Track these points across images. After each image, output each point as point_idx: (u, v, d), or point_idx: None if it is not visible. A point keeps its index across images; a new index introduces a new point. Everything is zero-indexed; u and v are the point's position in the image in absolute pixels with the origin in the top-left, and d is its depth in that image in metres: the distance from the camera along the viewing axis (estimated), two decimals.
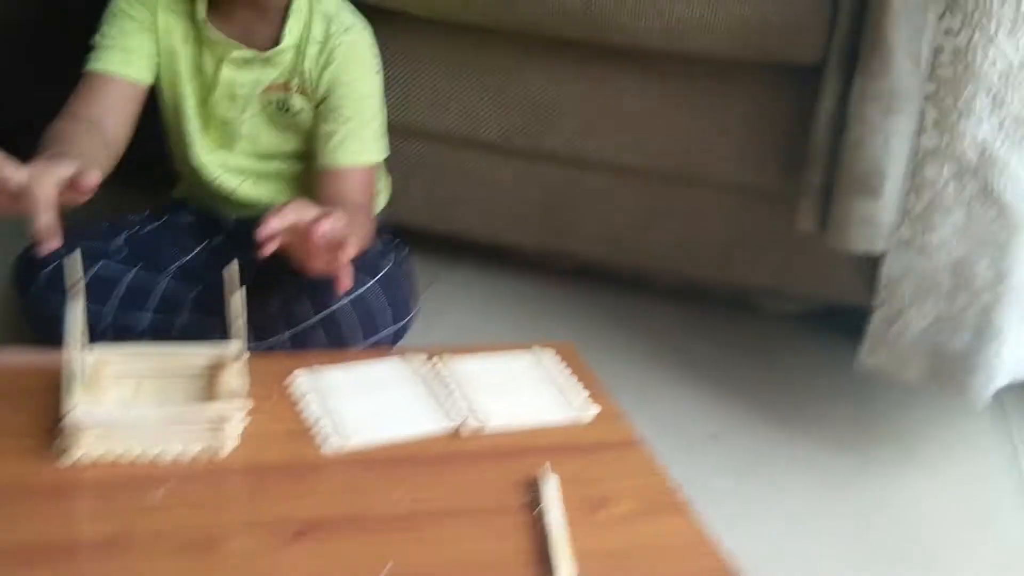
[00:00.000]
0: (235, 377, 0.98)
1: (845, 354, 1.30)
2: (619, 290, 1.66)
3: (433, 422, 1.01)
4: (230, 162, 1.30)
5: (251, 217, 1.32)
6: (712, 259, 1.49)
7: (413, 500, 0.89)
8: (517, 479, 0.93)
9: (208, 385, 1.02)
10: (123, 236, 1.27)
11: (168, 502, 0.85)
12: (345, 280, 1.02)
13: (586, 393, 1.09)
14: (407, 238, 1.38)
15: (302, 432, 0.97)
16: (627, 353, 1.46)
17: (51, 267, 1.18)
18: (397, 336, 1.20)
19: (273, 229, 0.98)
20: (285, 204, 1.03)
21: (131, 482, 0.87)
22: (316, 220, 1.00)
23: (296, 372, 1.08)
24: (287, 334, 1.16)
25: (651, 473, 0.96)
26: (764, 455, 1.30)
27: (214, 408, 0.93)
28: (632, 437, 1.02)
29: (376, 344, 1.18)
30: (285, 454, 0.94)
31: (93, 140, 1.15)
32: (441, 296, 1.28)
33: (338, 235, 1.00)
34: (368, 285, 1.16)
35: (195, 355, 1.03)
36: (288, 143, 1.30)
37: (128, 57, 1.23)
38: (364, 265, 1.18)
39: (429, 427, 1.00)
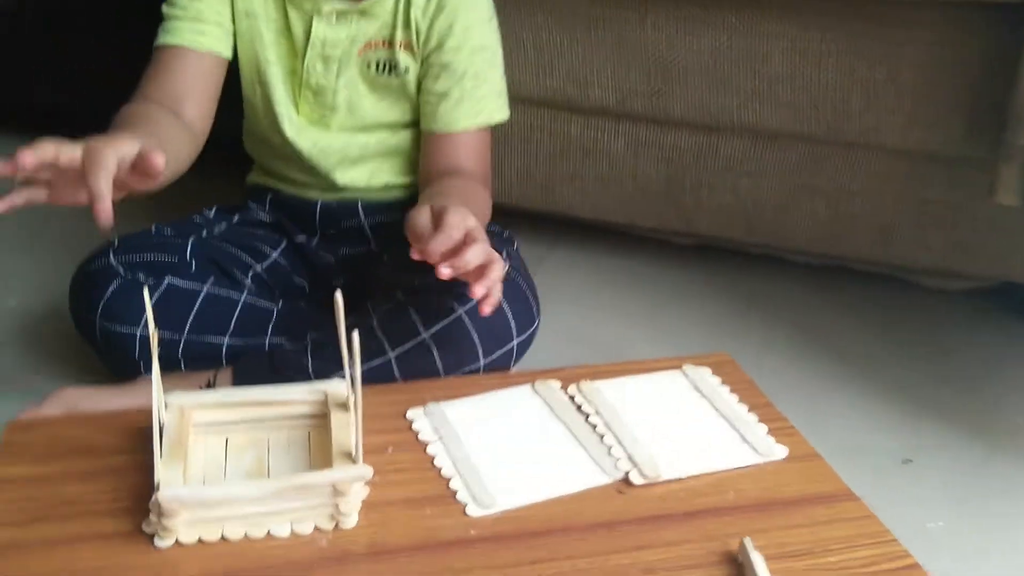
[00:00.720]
0: (346, 432, 0.80)
1: None
2: (750, 267, 1.45)
3: (588, 474, 0.82)
4: (324, 139, 1.10)
5: (340, 201, 1.15)
6: (869, 237, 1.28)
7: None
8: (709, 550, 0.74)
9: (313, 439, 0.84)
10: (190, 244, 1.08)
11: None
12: (489, 302, 0.85)
13: (763, 426, 0.90)
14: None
15: (433, 498, 0.79)
16: (771, 346, 1.26)
17: (110, 291, 1.00)
18: (520, 350, 1.01)
19: (437, 252, 0.84)
20: (445, 213, 0.86)
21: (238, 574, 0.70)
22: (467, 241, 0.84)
23: (411, 413, 0.90)
24: (392, 354, 0.97)
25: (880, 538, 0.76)
26: (968, 476, 1.09)
27: (329, 478, 0.75)
28: (841, 487, 0.82)
29: (495, 362, 0.99)
30: (418, 528, 0.76)
31: (170, 123, 0.99)
32: (544, 285, 1.08)
33: (486, 257, 0.84)
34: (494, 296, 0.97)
35: (294, 402, 0.85)
36: (391, 111, 1.10)
37: (201, 27, 1.04)
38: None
39: (584, 481, 0.82)
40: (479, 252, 0.83)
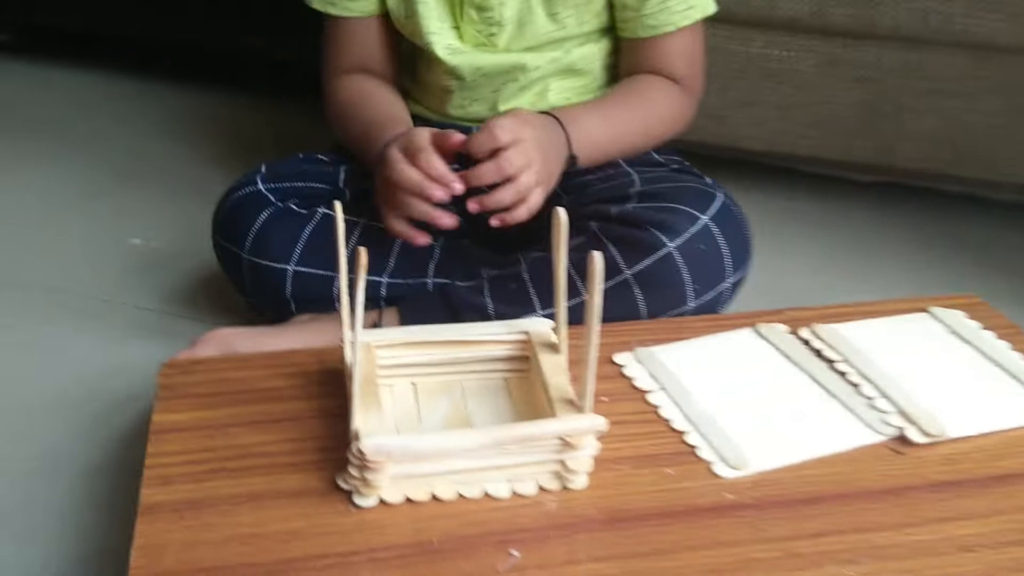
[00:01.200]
0: (562, 376, 0.67)
1: None
2: (947, 208, 1.28)
3: (851, 432, 0.68)
4: (488, 63, 0.97)
5: None
6: None
7: (873, 555, 0.57)
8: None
9: (514, 386, 0.72)
10: (342, 172, 0.96)
11: (521, 568, 0.56)
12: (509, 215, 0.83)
13: None
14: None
15: (670, 456, 0.66)
16: (999, 297, 1.10)
17: (260, 221, 0.89)
18: (733, 291, 0.86)
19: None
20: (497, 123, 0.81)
21: (452, 544, 0.57)
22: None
23: (620, 358, 0.76)
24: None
25: None
26: None
27: (559, 428, 0.62)
28: None
29: (704, 307, 0.85)
30: (660, 491, 0.63)
31: (388, 92, 1.01)
32: None
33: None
34: (701, 222, 0.83)
35: (491, 342, 0.72)
36: (567, 23, 0.96)
37: None
38: (687, 193, 0.85)
39: (849, 440, 0.67)
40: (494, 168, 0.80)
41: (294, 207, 0.90)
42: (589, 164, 0.92)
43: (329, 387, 0.72)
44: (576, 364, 0.65)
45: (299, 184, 0.92)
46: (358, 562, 0.56)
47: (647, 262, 0.81)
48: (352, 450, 0.60)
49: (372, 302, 0.91)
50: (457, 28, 0.96)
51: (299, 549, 0.57)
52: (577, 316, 0.80)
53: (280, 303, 0.90)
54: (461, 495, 0.61)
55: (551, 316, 0.80)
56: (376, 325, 0.88)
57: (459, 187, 0.81)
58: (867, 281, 1.14)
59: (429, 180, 0.81)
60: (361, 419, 0.61)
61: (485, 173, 0.81)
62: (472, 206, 0.82)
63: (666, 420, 0.69)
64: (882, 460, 0.66)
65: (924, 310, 0.83)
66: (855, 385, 0.73)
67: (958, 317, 0.82)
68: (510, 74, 0.96)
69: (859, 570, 0.56)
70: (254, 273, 0.89)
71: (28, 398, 0.90)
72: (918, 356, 0.76)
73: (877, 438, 0.68)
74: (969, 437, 0.68)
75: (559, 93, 0.99)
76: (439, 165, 0.82)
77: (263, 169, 0.93)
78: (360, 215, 0.91)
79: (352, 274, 0.63)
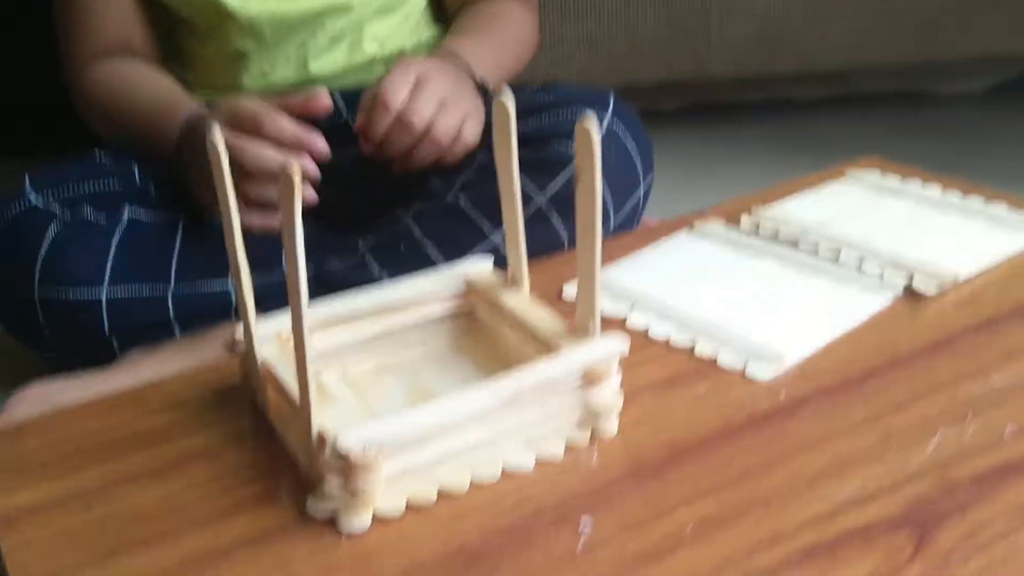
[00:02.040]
0: (537, 311, 0.53)
1: None
2: (756, 116, 1.26)
3: (857, 300, 0.59)
4: (292, 9, 0.80)
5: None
6: (905, 36, 1.11)
7: (973, 405, 0.48)
8: None
9: (467, 346, 0.56)
10: (135, 166, 0.75)
11: (602, 539, 0.41)
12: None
13: (999, 206, 0.70)
14: None
15: (689, 373, 0.54)
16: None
17: (48, 241, 0.67)
18: (647, 198, 0.76)
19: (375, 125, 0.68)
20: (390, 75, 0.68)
21: (498, 539, 0.42)
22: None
23: (569, 289, 0.63)
24: (498, 231, 0.69)
25: None
26: None
27: (582, 359, 0.47)
28: None
29: (623, 225, 0.73)
30: (703, 412, 0.50)
31: (159, 70, 0.83)
32: None
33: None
34: (605, 124, 0.71)
35: (425, 300, 0.56)
36: None
37: None
38: (582, 96, 0.73)
39: (862, 310, 0.58)
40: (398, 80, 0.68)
41: (88, 218, 0.69)
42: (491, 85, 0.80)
43: (224, 410, 0.53)
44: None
45: (84, 188, 0.71)
46: None
47: (559, 181, 0.69)
48: (323, 458, 0.42)
49: (221, 314, 0.71)
50: None
51: None
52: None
53: (95, 345, 0.69)
54: (474, 481, 0.45)
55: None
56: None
57: (324, 146, 0.65)
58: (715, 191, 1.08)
59: (287, 149, 0.64)
60: (321, 417, 0.44)
61: (391, 131, 0.67)
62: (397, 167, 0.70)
63: (662, 340, 0.57)
64: (907, 319, 0.58)
65: (841, 174, 0.77)
66: (836, 252, 0.64)
67: (876, 176, 0.77)
68: (319, 20, 0.80)
69: (978, 422, 0.47)
70: (51, 312, 0.67)
71: None
72: (870, 216, 0.70)
73: (885, 300, 0.59)
74: (974, 278, 0.61)
75: (374, 40, 0.85)
76: (290, 126, 0.65)
77: (28, 178, 0.71)
78: (177, 214, 0.72)
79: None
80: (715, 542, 0.41)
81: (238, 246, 0.49)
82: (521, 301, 0.54)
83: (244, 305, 0.50)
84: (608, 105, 0.72)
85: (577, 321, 0.50)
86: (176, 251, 0.70)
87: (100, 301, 0.66)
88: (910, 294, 0.60)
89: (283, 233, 0.41)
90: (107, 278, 0.66)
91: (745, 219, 0.70)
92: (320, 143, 0.65)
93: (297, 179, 0.39)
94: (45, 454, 0.49)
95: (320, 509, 0.43)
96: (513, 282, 0.55)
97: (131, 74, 0.81)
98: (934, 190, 0.73)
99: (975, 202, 0.71)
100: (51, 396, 0.62)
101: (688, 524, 0.42)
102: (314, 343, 0.52)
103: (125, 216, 0.69)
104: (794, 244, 0.66)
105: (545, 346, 0.50)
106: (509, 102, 0.50)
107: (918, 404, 0.49)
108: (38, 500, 0.46)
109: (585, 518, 0.42)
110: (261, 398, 0.51)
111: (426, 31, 0.89)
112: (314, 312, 0.54)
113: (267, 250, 0.72)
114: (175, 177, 0.74)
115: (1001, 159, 1.15)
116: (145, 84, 0.80)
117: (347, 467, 0.42)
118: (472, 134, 0.70)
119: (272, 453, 0.48)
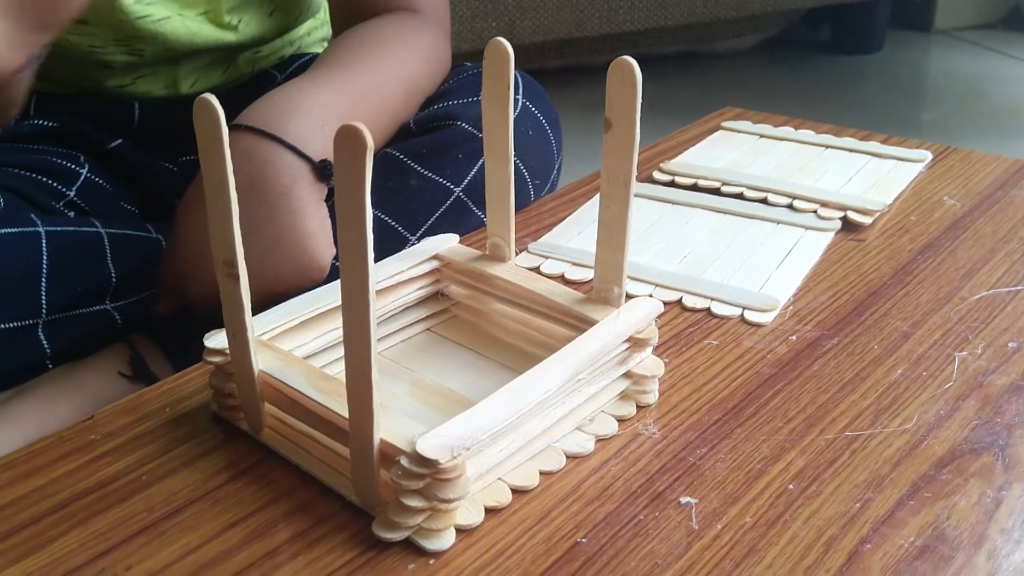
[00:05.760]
0: (535, 280, 0.48)
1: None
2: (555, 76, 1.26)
3: (803, 239, 0.60)
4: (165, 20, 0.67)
5: (169, 98, 0.73)
6: (692, 3, 1.16)
7: (968, 321, 0.50)
8: (1008, 247, 0.57)
9: (455, 331, 0.51)
10: None
11: (711, 514, 0.38)
12: None
13: (873, 143, 0.74)
14: None
15: (686, 332, 0.51)
16: None
17: None
18: (559, 171, 0.72)
19: None
20: None
21: (604, 532, 0.37)
22: None
23: (524, 259, 0.59)
24: (423, 227, 0.62)
25: None
26: None
27: (631, 320, 0.44)
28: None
29: (540, 186, 0.69)
30: (730, 364, 0.48)
31: None
32: None
33: None
34: (519, 103, 0.66)
35: (402, 285, 0.50)
36: None
37: None
38: (476, 76, 0.68)
39: (810, 246, 0.59)
40: None
41: None
42: None
43: (207, 438, 0.44)
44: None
45: None
46: None
47: (475, 169, 0.63)
48: (398, 472, 0.36)
49: (103, 339, 0.59)
50: None
51: None
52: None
53: None
54: (543, 470, 0.41)
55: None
56: (136, 361, 0.57)
57: None
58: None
59: None
60: (383, 426, 0.37)
61: None
62: None
63: (645, 296, 0.55)
64: (859, 250, 0.59)
65: (718, 128, 0.79)
66: (761, 199, 0.65)
67: (749, 125, 0.79)
68: (202, 54, 0.69)
69: (982, 341, 0.49)
70: None
71: None
72: (768, 160, 0.71)
73: (828, 236, 0.61)
74: (889, 206, 0.64)
75: (249, 63, 0.74)
76: None
77: None
78: (32, 223, 0.59)
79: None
80: (822, 494, 0.39)
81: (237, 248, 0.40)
82: (514, 273, 0.49)
83: (239, 302, 0.41)
84: (518, 86, 0.68)
85: (599, 287, 0.46)
86: (44, 270, 0.57)
87: None
88: (846, 226, 0.62)
89: (342, 209, 0.34)
90: None
91: (658, 174, 0.69)
92: None
93: (369, 140, 0.32)
94: None
95: (395, 534, 0.37)
96: (496, 255, 0.50)
97: None
98: (808, 133, 0.77)
99: (850, 142, 0.75)
100: None
101: (786, 479, 0.40)
102: (292, 350, 0.45)
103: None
104: (716, 192, 0.67)
105: (570, 317, 0.46)
106: (506, 44, 0.45)
107: (921, 331, 0.50)
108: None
109: (686, 497, 0.39)
110: (252, 420, 0.43)
111: (307, 49, 0.80)
112: (273, 316, 0.46)
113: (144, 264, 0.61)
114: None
115: (781, 103, 1.24)
116: None
117: (435, 476, 0.36)
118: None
119: (285, 484, 0.40)
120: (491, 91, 0.47)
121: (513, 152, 0.47)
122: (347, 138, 0.33)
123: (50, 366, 0.57)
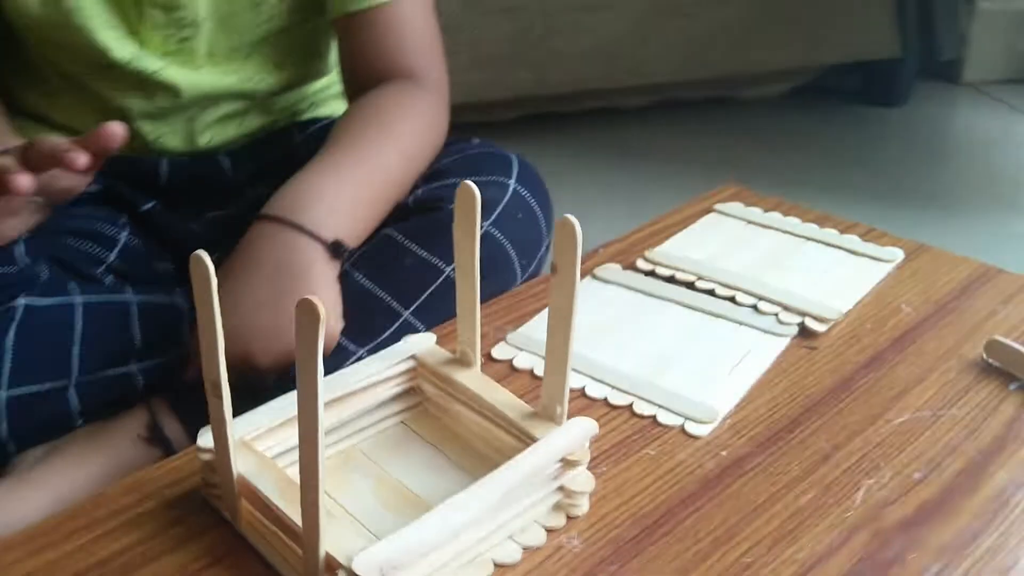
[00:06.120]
0: (497, 391, 0.55)
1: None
2: (583, 124, 1.31)
3: (761, 344, 0.65)
4: (188, 84, 0.75)
5: (196, 155, 0.81)
6: (724, 49, 1.20)
7: (898, 431, 0.55)
8: (959, 368, 0.62)
9: (422, 428, 0.57)
10: (21, 242, 0.68)
11: None
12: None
13: (851, 237, 0.78)
14: None
15: (633, 437, 0.57)
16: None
17: None
18: (548, 252, 0.78)
19: None
20: None
21: None
22: None
23: (497, 351, 0.65)
24: (409, 310, 0.69)
25: None
26: None
27: (560, 447, 0.50)
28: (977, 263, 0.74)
29: (531, 276, 0.75)
30: (660, 476, 0.54)
31: None
32: None
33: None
34: (510, 189, 0.72)
35: (377, 384, 0.57)
36: (274, 12, 0.76)
37: None
38: (486, 160, 0.74)
39: (766, 353, 0.64)
40: None
41: None
42: (360, 239, 0.70)
43: (187, 524, 0.51)
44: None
45: None
46: None
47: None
48: None
49: (125, 400, 0.68)
50: (136, 35, 0.73)
51: None
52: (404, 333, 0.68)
53: None
54: None
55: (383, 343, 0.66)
56: (154, 427, 0.66)
57: (82, 159, 0.57)
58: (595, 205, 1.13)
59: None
60: (332, 536, 0.44)
61: None
62: None
63: (599, 398, 0.61)
64: (806, 359, 0.64)
65: (711, 210, 0.84)
66: (730, 298, 0.70)
67: (740, 208, 0.83)
68: (214, 103, 0.77)
69: (891, 468, 0.54)
70: None
71: None
72: (748, 251, 0.76)
73: (783, 341, 0.66)
74: (848, 312, 0.69)
75: (267, 114, 0.82)
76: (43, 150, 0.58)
77: None
78: (68, 290, 0.67)
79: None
80: None
81: (222, 367, 0.47)
82: (476, 381, 0.55)
83: (222, 418, 0.48)
84: (511, 166, 0.74)
85: (544, 404, 0.52)
86: (79, 337, 0.65)
87: None
88: (803, 332, 0.67)
89: (299, 370, 0.41)
90: (6, 381, 0.62)
91: (641, 262, 0.75)
92: (74, 155, 0.57)
93: (322, 312, 0.39)
94: None
95: None
96: (464, 361, 0.57)
97: None
98: (794, 221, 0.81)
99: (831, 234, 0.79)
100: None
101: None
102: (269, 448, 0.52)
103: (20, 306, 0.64)
104: (691, 286, 0.72)
105: (516, 430, 0.52)
106: (473, 187, 0.51)
107: (840, 454, 0.56)
108: None
109: None
110: (231, 512, 0.50)
111: (323, 106, 0.87)
112: (270, 414, 0.53)
113: (167, 326, 0.69)
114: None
115: (800, 155, 1.27)
116: None
117: None
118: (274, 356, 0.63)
119: (253, 573, 0.48)
120: (461, 225, 0.53)
121: (479, 271, 0.53)
122: (305, 312, 0.40)
123: (80, 423, 0.65)
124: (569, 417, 0.52)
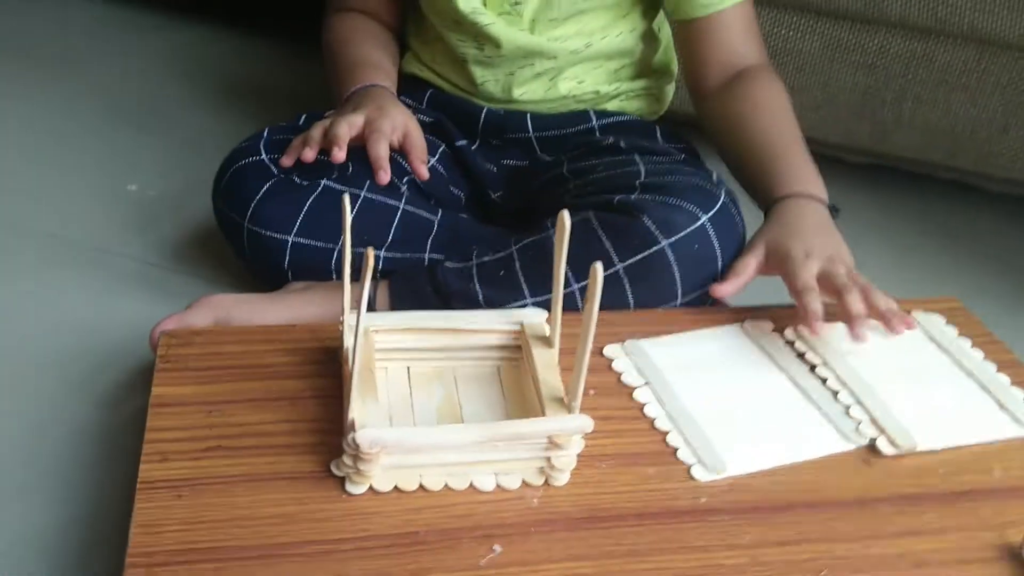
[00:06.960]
0: (552, 372, 0.69)
1: None
2: (937, 192, 1.28)
3: (825, 439, 0.71)
4: (512, 41, 0.96)
5: (509, 111, 1.02)
6: None
7: (833, 567, 0.60)
8: (984, 541, 0.63)
9: (505, 375, 0.74)
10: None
11: (501, 564, 0.59)
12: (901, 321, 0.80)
13: (1021, 391, 0.77)
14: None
15: (651, 455, 0.69)
16: (986, 290, 1.11)
17: (262, 193, 0.89)
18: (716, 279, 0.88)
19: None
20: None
21: (437, 536, 0.60)
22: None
23: (609, 351, 0.78)
24: (576, 285, 0.85)
25: None
26: None
27: (546, 428, 0.64)
28: None
29: (693, 301, 0.86)
30: (638, 491, 0.65)
31: (387, 39, 1.06)
32: None
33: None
34: (700, 223, 0.83)
35: (484, 331, 0.74)
36: (600, 5, 0.96)
37: None
38: (691, 190, 0.85)
39: (823, 447, 0.70)
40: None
41: (296, 179, 0.90)
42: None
43: (326, 366, 0.74)
44: (567, 355, 0.67)
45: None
46: (346, 551, 0.59)
47: (639, 256, 0.82)
48: (347, 440, 0.62)
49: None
50: None
51: (292, 534, 0.60)
52: (569, 303, 0.82)
53: (277, 272, 0.91)
54: (448, 486, 0.64)
55: (540, 304, 0.83)
56: (369, 302, 0.89)
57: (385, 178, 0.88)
58: (859, 267, 1.15)
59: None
60: (358, 410, 0.63)
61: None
62: None
63: (650, 418, 0.72)
64: (852, 469, 0.69)
65: (910, 311, 0.86)
66: (835, 392, 0.75)
67: (937, 323, 0.84)
68: (528, 58, 0.97)
69: None
70: (253, 241, 0.90)
71: (15, 351, 0.89)
72: (896, 363, 0.79)
73: (849, 446, 0.71)
74: (936, 451, 0.71)
75: (572, 80, 1.00)
76: (384, 149, 0.89)
77: (266, 135, 0.94)
78: (361, 185, 0.92)
79: (357, 249, 0.64)
80: None
81: (346, 272, 0.67)
82: (545, 361, 0.70)
83: (356, 303, 0.69)
84: (712, 205, 0.83)
85: (567, 397, 0.66)
86: (350, 221, 0.91)
87: (286, 243, 0.89)
88: (872, 447, 0.70)
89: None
90: (295, 229, 0.88)
91: (789, 332, 0.81)
92: (383, 175, 0.88)
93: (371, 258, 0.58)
94: (197, 362, 0.73)
95: (337, 471, 0.64)
96: (548, 342, 0.72)
97: (358, 31, 1.05)
98: (976, 355, 0.80)
99: (1002, 381, 0.78)
100: (224, 306, 0.85)
101: None
102: (386, 341, 0.72)
103: (321, 184, 0.90)
104: (812, 369, 0.77)
105: (541, 404, 0.66)
106: (567, 218, 0.64)
107: (793, 548, 0.62)
108: (180, 396, 0.70)
109: (496, 545, 0.60)
110: (343, 371, 0.71)
111: (627, 82, 1.03)
112: (402, 320, 0.73)
113: (415, 232, 0.93)
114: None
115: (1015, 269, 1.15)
116: (359, 44, 1.03)
117: (357, 452, 0.61)
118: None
119: (336, 415, 0.69)
120: (557, 242, 0.67)
121: (563, 273, 0.67)
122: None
123: (333, 278, 0.90)
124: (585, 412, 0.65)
